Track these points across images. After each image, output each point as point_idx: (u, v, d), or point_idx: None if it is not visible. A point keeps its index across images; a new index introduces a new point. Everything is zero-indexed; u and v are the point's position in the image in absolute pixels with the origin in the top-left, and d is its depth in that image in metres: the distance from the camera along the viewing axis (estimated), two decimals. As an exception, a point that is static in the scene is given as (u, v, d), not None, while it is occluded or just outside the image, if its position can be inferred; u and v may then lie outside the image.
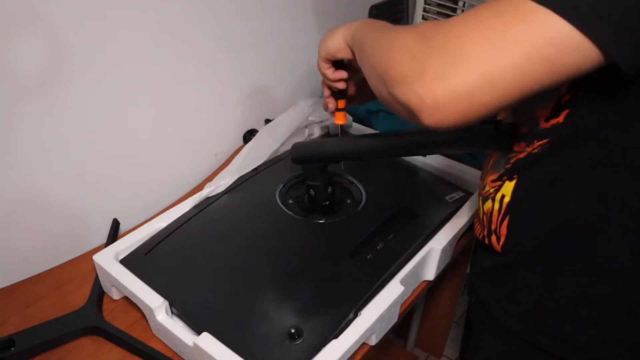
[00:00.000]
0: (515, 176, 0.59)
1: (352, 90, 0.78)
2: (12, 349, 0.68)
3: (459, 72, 0.42)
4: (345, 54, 0.68)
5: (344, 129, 1.07)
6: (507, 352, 0.69)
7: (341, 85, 0.74)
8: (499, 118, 0.66)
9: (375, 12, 1.24)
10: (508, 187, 0.59)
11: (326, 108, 0.80)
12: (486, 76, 0.42)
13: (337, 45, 0.68)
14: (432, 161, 0.98)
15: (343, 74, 0.73)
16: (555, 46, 0.40)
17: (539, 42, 0.40)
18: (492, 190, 0.62)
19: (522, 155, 0.58)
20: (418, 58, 0.44)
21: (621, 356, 0.61)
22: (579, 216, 0.54)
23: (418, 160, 1.00)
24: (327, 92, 0.78)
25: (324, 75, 0.74)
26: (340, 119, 0.79)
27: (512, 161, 0.59)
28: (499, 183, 0.61)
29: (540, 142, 0.55)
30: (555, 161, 0.54)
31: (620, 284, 0.57)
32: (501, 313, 0.67)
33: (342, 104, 0.78)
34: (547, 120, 0.54)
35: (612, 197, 0.52)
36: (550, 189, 0.56)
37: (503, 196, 0.60)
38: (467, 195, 0.90)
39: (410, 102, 0.45)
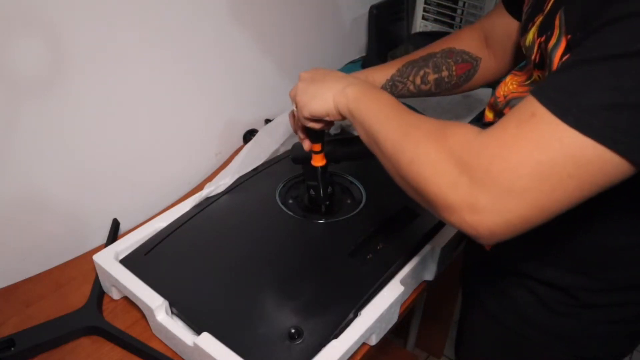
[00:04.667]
0: None
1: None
2: (12, 349, 0.68)
3: (512, 208, 0.43)
4: (335, 118, 0.64)
5: (346, 130, 1.07)
6: (500, 345, 0.70)
7: (318, 126, 0.69)
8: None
9: (376, 12, 1.24)
10: None
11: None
12: (539, 207, 0.43)
13: (327, 109, 0.63)
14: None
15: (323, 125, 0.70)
16: (601, 171, 0.41)
17: (589, 172, 0.41)
18: None
19: None
20: (462, 188, 0.44)
21: (615, 347, 0.63)
22: (568, 217, 0.55)
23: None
24: (302, 135, 0.75)
25: (304, 125, 0.71)
26: (318, 161, 0.77)
27: None
28: None
29: None
30: None
31: (612, 278, 0.59)
32: (494, 306, 0.68)
33: (318, 147, 0.76)
34: None
35: (602, 203, 0.52)
36: None
37: None
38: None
39: (462, 227, 0.46)
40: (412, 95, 0.80)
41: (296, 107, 0.69)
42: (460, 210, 0.44)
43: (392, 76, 0.77)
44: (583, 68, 0.41)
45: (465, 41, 0.78)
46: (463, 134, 0.46)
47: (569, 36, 0.48)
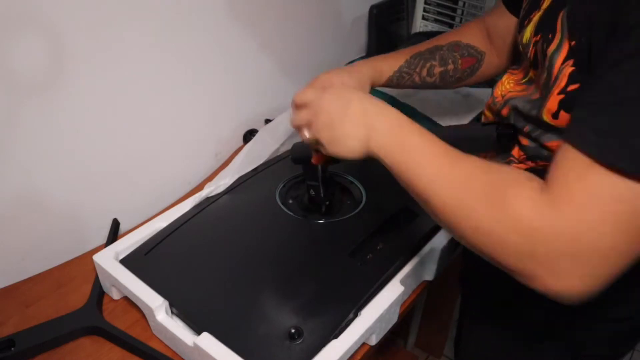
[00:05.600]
0: None
1: None
2: (12, 349, 0.68)
3: (599, 267, 0.41)
4: (363, 157, 0.57)
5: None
6: (500, 344, 0.71)
7: None
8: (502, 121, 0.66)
9: (376, 12, 1.24)
10: None
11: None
12: (620, 268, 0.42)
13: (357, 152, 0.56)
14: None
15: None
16: None
17: None
18: None
19: (523, 167, 0.59)
20: (540, 258, 0.42)
21: (615, 345, 0.64)
22: None
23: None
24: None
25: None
26: (319, 160, 0.73)
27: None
28: None
29: (543, 163, 0.56)
30: None
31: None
32: (492, 304, 0.68)
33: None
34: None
35: None
36: None
37: None
38: (467, 195, 0.90)
39: (546, 293, 0.44)
40: (416, 86, 0.80)
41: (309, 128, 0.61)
42: (542, 277, 0.43)
43: (399, 67, 0.78)
44: (620, 108, 0.40)
45: (471, 35, 0.79)
46: (526, 197, 0.43)
47: (573, 43, 0.47)
